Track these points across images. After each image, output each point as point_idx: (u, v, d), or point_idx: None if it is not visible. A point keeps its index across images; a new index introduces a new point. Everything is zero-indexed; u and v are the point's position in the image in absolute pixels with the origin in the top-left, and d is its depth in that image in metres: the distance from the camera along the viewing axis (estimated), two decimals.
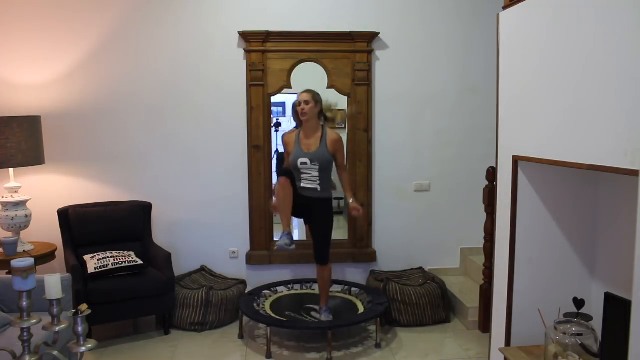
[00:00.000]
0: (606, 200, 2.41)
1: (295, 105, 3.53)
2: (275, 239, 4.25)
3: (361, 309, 3.70)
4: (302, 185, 3.51)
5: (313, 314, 3.64)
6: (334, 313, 3.61)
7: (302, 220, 3.86)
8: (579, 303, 2.26)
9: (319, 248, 3.53)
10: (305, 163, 3.47)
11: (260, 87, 4.17)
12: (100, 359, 3.36)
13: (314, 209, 3.52)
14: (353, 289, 4.03)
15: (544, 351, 2.24)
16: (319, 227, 3.56)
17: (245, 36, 4.12)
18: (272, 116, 4.34)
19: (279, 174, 3.49)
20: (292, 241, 3.43)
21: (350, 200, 3.54)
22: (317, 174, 3.47)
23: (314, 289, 4.04)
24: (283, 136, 3.72)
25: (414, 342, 3.61)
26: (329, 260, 3.56)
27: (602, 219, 2.43)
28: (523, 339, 2.45)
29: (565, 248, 2.46)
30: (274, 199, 3.58)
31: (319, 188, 3.49)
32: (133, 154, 4.18)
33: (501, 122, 2.56)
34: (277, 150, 4.69)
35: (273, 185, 4.00)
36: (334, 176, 3.65)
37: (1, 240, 3.65)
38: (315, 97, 3.48)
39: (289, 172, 3.47)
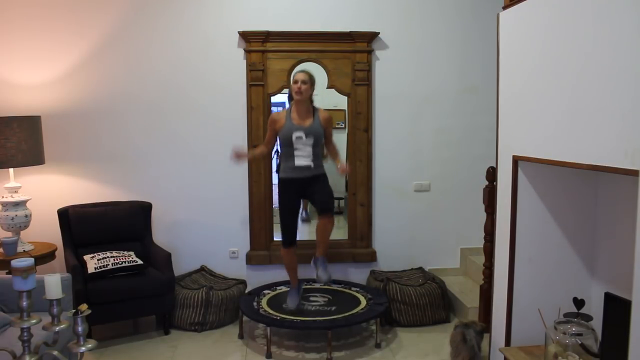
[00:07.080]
0: (606, 200, 2.41)
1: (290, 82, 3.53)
2: (278, 238, 4.25)
3: (364, 303, 3.70)
4: (296, 164, 3.46)
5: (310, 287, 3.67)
6: (337, 306, 3.60)
7: (302, 221, 3.85)
8: (579, 303, 2.26)
9: (326, 200, 3.48)
10: (300, 137, 3.43)
11: (260, 87, 4.17)
12: (100, 359, 3.36)
13: (313, 186, 3.48)
14: (353, 288, 4.03)
15: (544, 351, 2.25)
16: (321, 191, 3.50)
17: (245, 36, 4.12)
18: None
19: (283, 244, 3.59)
20: (300, 298, 3.67)
21: (338, 165, 3.54)
22: (310, 149, 3.44)
23: (312, 284, 4.03)
24: (271, 115, 3.68)
25: (414, 342, 3.61)
26: (333, 214, 3.56)
27: (602, 219, 2.43)
28: (523, 339, 2.45)
29: (565, 248, 2.46)
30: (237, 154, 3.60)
31: (312, 165, 3.46)
32: (133, 154, 4.18)
33: (501, 121, 2.56)
34: (277, 151, 4.67)
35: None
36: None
37: (1, 240, 3.65)
38: (312, 78, 3.49)
39: (291, 242, 3.58)
